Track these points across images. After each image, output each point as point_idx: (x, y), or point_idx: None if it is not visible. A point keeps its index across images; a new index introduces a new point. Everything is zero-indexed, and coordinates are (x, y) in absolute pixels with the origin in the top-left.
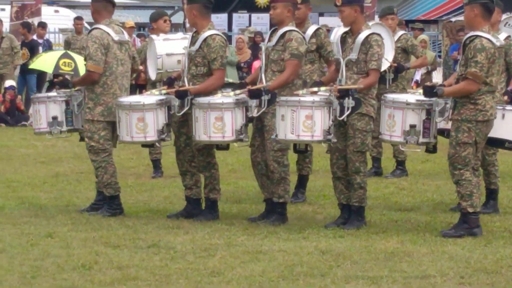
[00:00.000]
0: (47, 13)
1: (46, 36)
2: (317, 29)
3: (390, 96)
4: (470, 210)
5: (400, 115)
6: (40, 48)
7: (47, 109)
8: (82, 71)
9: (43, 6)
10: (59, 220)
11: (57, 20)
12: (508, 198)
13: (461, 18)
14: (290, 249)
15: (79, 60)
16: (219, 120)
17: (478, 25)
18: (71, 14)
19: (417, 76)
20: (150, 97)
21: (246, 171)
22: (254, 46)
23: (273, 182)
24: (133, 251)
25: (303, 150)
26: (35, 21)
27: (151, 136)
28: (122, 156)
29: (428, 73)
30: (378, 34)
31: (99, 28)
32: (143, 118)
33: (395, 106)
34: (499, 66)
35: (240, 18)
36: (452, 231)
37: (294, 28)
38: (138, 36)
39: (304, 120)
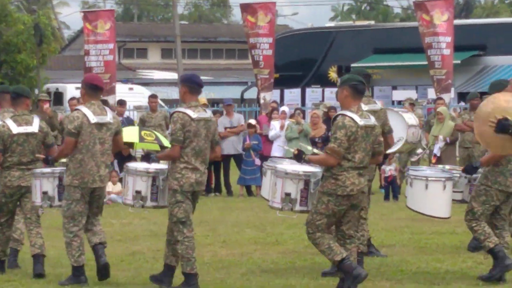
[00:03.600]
0: (122, 91)
1: (125, 114)
2: None
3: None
4: (337, 258)
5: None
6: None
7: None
8: (163, 140)
9: (118, 84)
10: None
11: (131, 97)
12: None
13: None
14: None
15: (155, 132)
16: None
17: (348, 105)
18: (145, 91)
19: (436, 150)
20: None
21: None
22: (328, 120)
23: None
24: None
25: None
26: (110, 99)
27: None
28: (198, 233)
29: (449, 144)
30: None
31: None
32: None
33: (277, 175)
34: (366, 144)
35: (314, 92)
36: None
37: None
38: (214, 112)
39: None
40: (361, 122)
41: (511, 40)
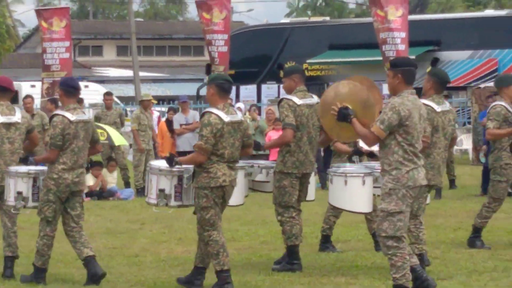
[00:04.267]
0: None
1: None
2: None
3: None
4: (218, 268)
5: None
6: None
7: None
8: (115, 139)
9: None
10: None
11: (87, 95)
12: None
13: (490, 84)
14: None
15: (110, 129)
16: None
17: (215, 102)
18: (100, 89)
19: None
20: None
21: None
22: None
23: None
24: None
25: None
26: None
27: None
28: (154, 230)
29: None
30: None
31: None
32: None
33: (152, 172)
34: (234, 139)
35: (269, 89)
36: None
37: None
38: (169, 109)
39: None
40: (227, 118)
41: (466, 36)
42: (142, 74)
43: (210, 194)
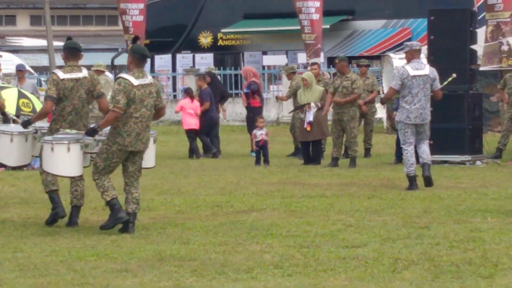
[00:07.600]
0: None
1: None
2: None
3: None
4: None
5: None
6: None
7: None
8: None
9: None
10: (6, 266)
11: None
12: (455, 231)
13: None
14: None
15: (33, 98)
16: None
17: None
18: (14, 58)
19: (310, 118)
20: None
21: (193, 212)
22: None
23: None
24: None
25: None
26: None
27: None
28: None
29: (320, 108)
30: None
31: None
32: None
33: None
34: None
35: (184, 58)
36: None
37: None
38: None
39: None
40: None
41: (379, 5)
42: (56, 43)
43: None
